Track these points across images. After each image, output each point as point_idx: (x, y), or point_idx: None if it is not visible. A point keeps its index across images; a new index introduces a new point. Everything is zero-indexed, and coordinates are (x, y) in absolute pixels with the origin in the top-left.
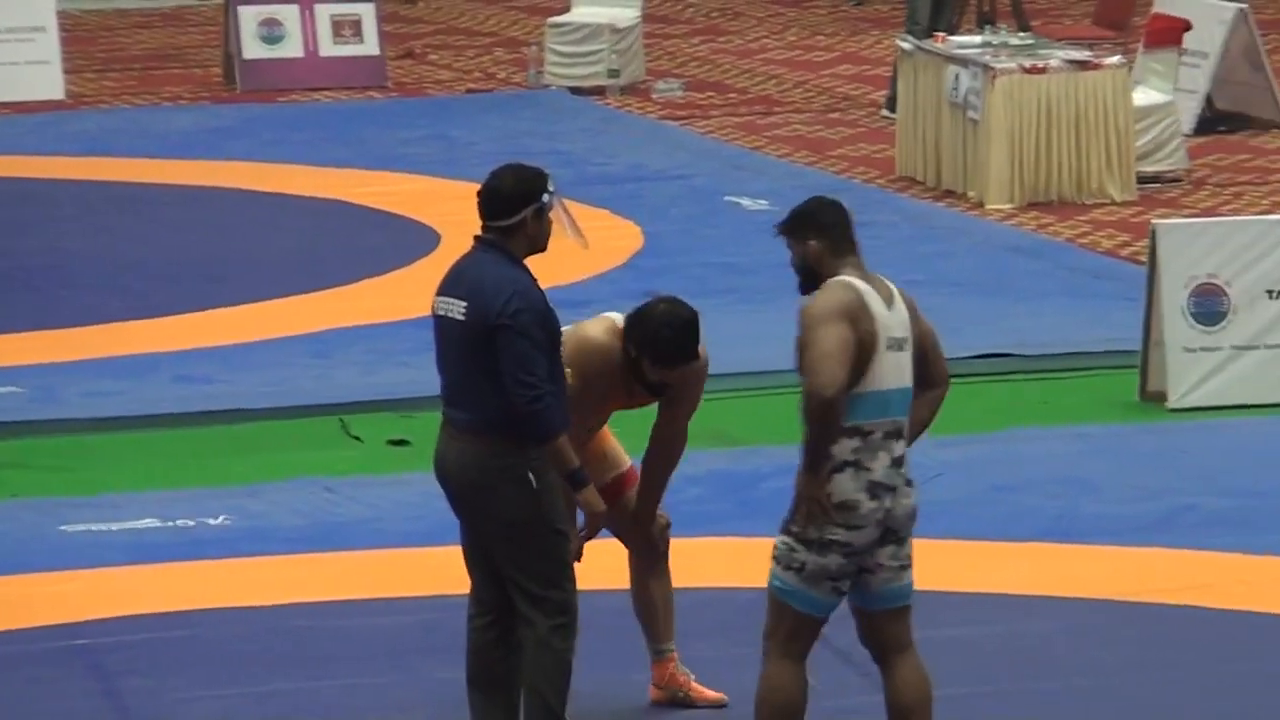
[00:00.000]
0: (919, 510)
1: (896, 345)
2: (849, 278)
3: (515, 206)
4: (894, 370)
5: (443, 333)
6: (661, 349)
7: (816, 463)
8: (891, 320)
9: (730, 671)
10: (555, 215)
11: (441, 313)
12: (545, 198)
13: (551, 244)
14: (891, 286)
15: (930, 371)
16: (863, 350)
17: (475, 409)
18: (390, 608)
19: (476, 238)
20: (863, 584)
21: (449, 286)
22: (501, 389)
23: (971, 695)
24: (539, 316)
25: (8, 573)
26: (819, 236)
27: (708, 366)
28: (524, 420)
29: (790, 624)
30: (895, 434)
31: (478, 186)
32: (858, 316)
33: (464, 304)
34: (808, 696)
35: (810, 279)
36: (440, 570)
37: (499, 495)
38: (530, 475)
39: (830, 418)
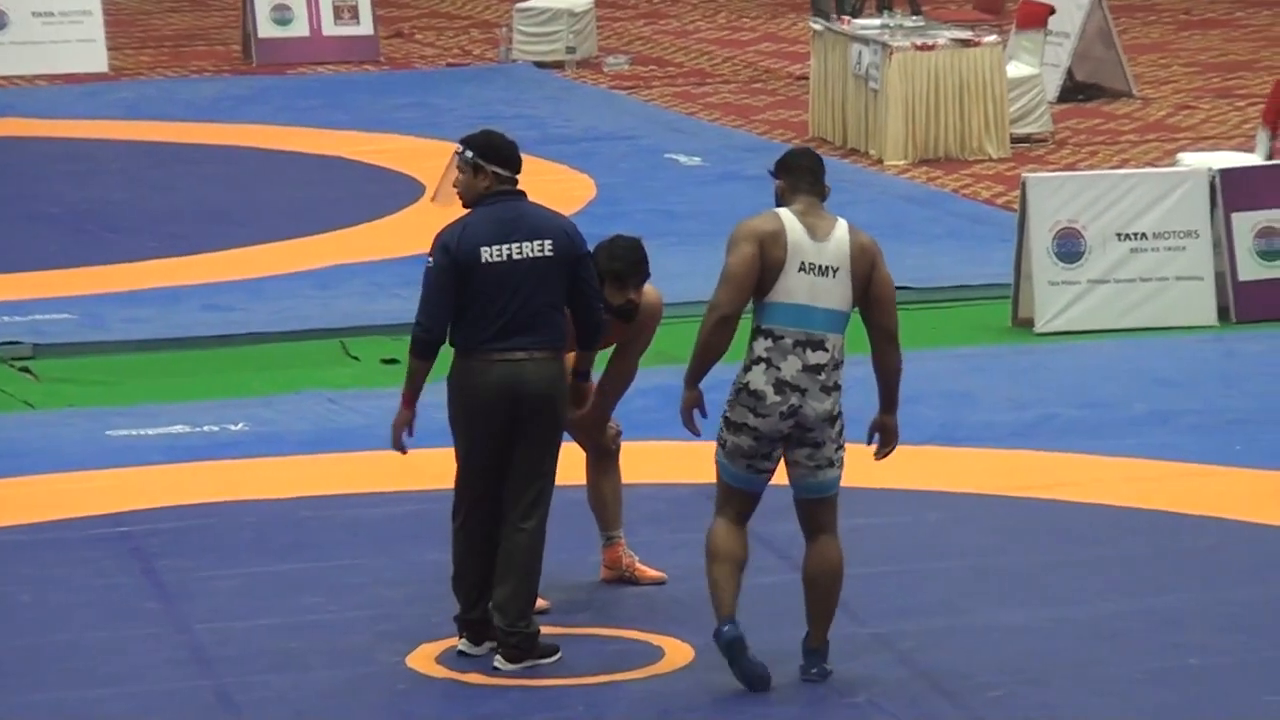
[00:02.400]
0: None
1: (816, 270)
2: (783, 208)
3: (519, 159)
4: (808, 289)
5: (508, 273)
6: (615, 270)
7: (694, 371)
8: (814, 248)
9: (670, 554)
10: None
11: (509, 256)
12: None
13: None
14: (838, 227)
15: (880, 319)
16: (769, 268)
17: (546, 331)
18: (384, 500)
19: (505, 191)
20: (790, 476)
21: (508, 234)
22: (562, 312)
23: (880, 574)
24: None
25: (61, 470)
26: (784, 176)
27: (661, 312)
28: (597, 328)
29: (723, 492)
30: (812, 344)
31: (456, 146)
32: (768, 240)
33: (549, 242)
34: (745, 551)
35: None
36: (425, 469)
37: (560, 403)
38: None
39: (719, 330)
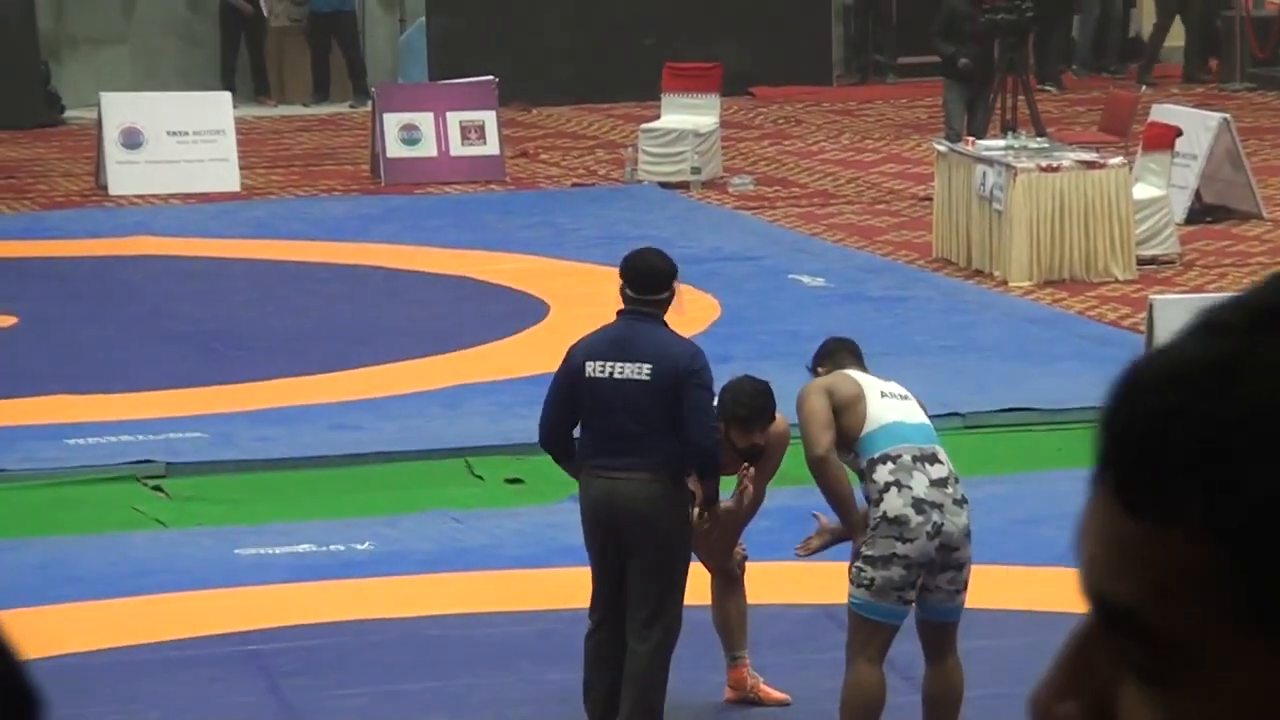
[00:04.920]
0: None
1: (895, 395)
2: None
3: (668, 282)
4: (897, 410)
5: (608, 392)
6: (740, 415)
7: (851, 520)
8: (882, 382)
9: (793, 675)
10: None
11: (610, 374)
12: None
13: None
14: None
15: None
16: (850, 406)
17: (650, 454)
18: (507, 619)
19: (629, 310)
20: (923, 600)
21: (612, 352)
22: (674, 435)
23: (999, 696)
24: (710, 373)
25: (191, 589)
26: (826, 362)
27: (788, 439)
28: (705, 456)
29: (865, 633)
30: (927, 458)
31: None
32: (834, 385)
33: (647, 365)
34: (885, 694)
35: None
36: (550, 588)
37: (663, 526)
38: (689, 510)
39: (828, 467)
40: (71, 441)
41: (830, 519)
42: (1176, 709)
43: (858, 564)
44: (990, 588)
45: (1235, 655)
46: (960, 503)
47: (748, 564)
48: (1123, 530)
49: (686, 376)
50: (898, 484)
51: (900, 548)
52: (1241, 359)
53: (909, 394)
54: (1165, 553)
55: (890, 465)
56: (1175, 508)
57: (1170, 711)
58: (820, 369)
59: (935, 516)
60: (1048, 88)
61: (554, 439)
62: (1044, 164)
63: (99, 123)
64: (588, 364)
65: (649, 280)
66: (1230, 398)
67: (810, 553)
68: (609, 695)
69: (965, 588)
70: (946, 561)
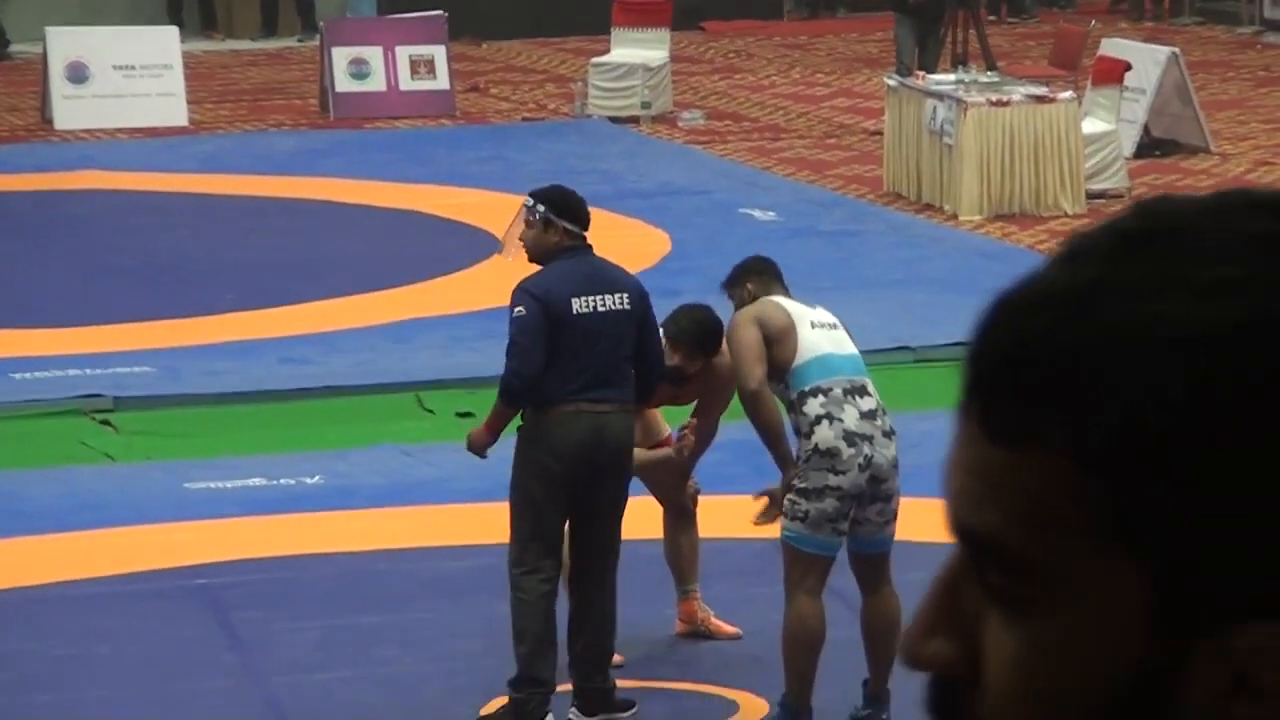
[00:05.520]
0: (899, 463)
1: (826, 325)
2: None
3: (589, 216)
4: (829, 340)
5: (593, 326)
6: (696, 338)
7: (781, 454)
8: (812, 310)
9: (744, 609)
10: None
11: (594, 308)
12: None
13: (595, 247)
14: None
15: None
16: (781, 337)
17: (626, 385)
18: (457, 554)
19: (580, 245)
20: (854, 533)
21: (592, 286)
22: (632, 365)
23: None
24: None
25: (140, 523)
26: (752, 279)
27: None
28: (654, 387)
29: (803, 566)
30: (857, 390)
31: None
32: (764, 315)
33: (625, 295)
34: (825, 627)
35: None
36: (500, 523)
37: (631, 455)
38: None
39: (757, 405)
40: (18, 375)
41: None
42: (1041, 637)
43: (790, 497)
44: (932, 521)
45: (1100, 579)
46: (889, 434)
47: (700, 498)
48: (988, 459)
49: (647, 303)
50: (829, 416)
51: (832, 479)
52: (1100, 284)
53: (838, 322)
54: (1030, 478)
55: (821, 398)
56: (1038, 432)
57: (1035, 639)
58: (748, 286)
59: (865, 449)
60: (1013, 20)
61: (537, 382)
62: (994, 98)
63: (44, 57)
64: (573, 301)
65: (586, 214)
66: (1088, 321)
67: (771, 522)
68: (549, 639)
69: (894, 519)
70: (875, 493)
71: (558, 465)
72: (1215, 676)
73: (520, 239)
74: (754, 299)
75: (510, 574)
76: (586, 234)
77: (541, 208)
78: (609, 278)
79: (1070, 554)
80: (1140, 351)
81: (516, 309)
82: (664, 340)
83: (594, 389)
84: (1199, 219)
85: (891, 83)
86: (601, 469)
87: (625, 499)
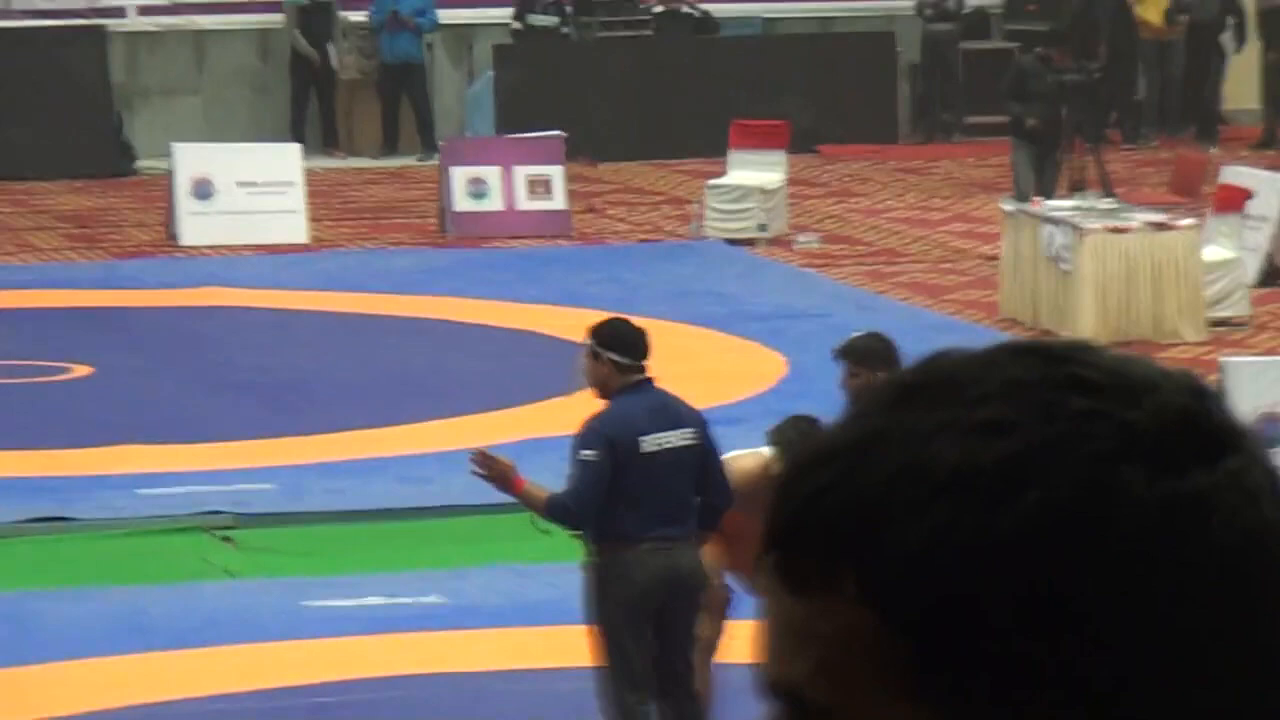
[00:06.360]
0: None
1: None
2: None
3: (644, 347)
4: None
5: (662, 464)
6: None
7: None
8: None
9: None
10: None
11: (662, 446)
12: None
13: (710, 369)
14: None
15: None
16: None
17: (692, 517)
18: (573, 675)
19: (640, 380)
20: None
21: (658, 424)
22: (695, 496)
23: None
24: None
25: (259, 640)
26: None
27: None
28: (719, 515)
29: None
30: None
31: (648, 321)
32: None
33: (690, 430)
34: None
35: None
36: None
37: (704, 582)
38: None
39: None
40: (142, 491)
41: None
42: None
43: None
44: None
45: None
46: None
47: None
48: (791, 611)
49: (710, 433)
50: None
51: None
52: (881, 433)
53: None
54: (828, 627)
55: None
56: (832, 581)
57: None
58: (853, 372)
59: None
60: (1129, 146)
61: (583, 526)
62: (1113, 225)
63: (171, 173)
64: (641, 440)
65: (644, 346)
66: (870, 470)
67: None
68: None
69: None
70: None
71: (636, 601)
72: None
73: (584, 373)
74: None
75: (603, 709)
76: (644, 364)
77: (590, 341)
78: (674, 413)
79: (870, 702)
80: (917, 494)
81: (584, 451)
82: (769, 449)
83: (664, 525)
84: (969, 368)
85: (1008, 208)
86: (677, 599)
87: (692, 630)
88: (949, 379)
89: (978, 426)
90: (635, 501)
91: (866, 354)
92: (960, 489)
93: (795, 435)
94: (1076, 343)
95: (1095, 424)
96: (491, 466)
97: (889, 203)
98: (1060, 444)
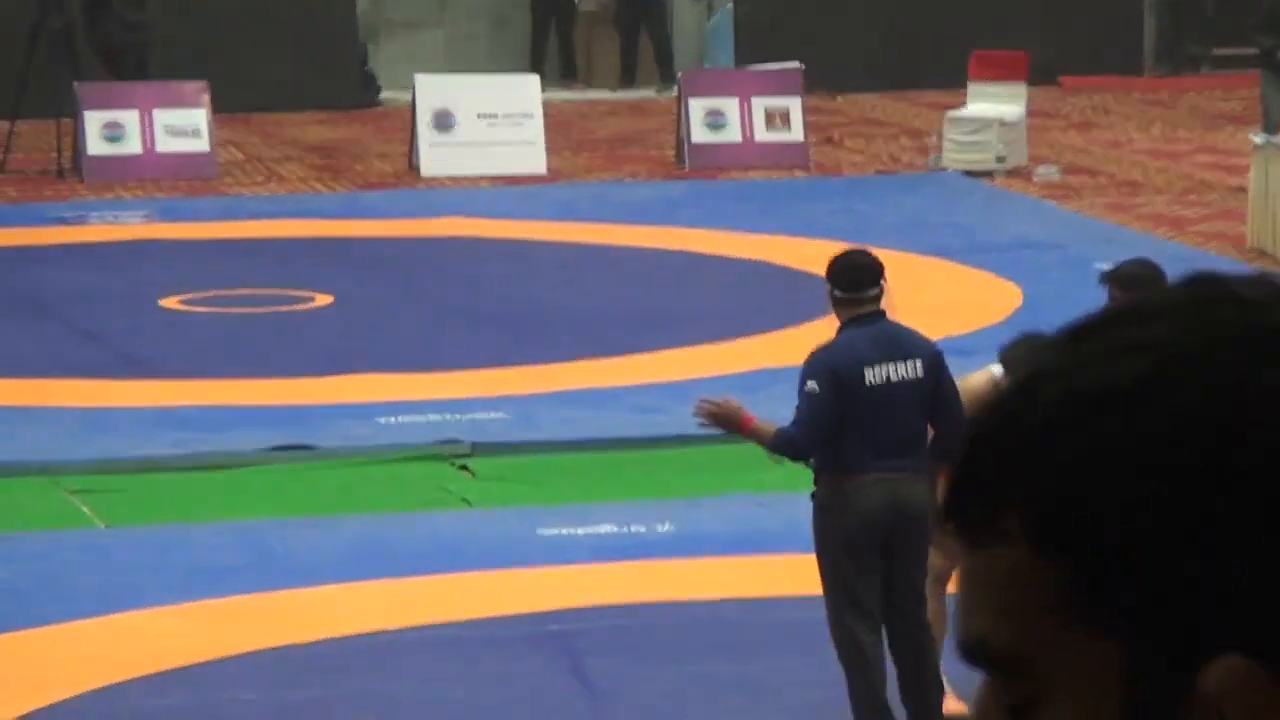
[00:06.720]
0: None
1: None
2: None
3: (882, 277)
4: None
5: (887, 396)
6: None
7: None
8: None
9: None
10: None
11: (888, 378)
12: None
13: (944, 301)
14: None
15: None
16: None
17: (920, 451)
18: (806, 604)
19: (868, 311)
20: None
21: (884, 355)
22: (928, 427)
23: None
24: None
25: (492, 568)
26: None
27: None
28: (958, 440)
29: None
30: None
31: (883, 252)
32: None
33: (918, 361)
34: None
35: None
36: None
37: (931, 517)
38: None
39: None
40: (382, 420)
41: None
42: None
43: None
44: None
45: (1083, 658)
46: None
47: None
48: (971, 566)
49: (942, 364)
50: None
51: None
52: (1043, 372)
53: None
54: (1001, 571)
55: None
56: (1000, 527)
57: None
58: (1118, 298)
59: None
60: None
61: (807, 456)
62: None
63: (413, 105)
64: (866, 371)
65: (873, 277)
66: (1030, 408)
67: None
68: (883, 708)
69: None
70: None
71: (856, 531)
72: None
73: None
74: None
75: (832, 637)
76: (873, 295)
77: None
78: (903, 344)
79: (1050, 640)
80: (1064, 419)
81: (809, 383)
82: (998, 368)
83: (890, 456)
84: (1138, 303)
85: (1258, 140)
86: (903, 530)
87: (926, 561)
88: (1116, 314)
89: (1124, 348)
90: (861, 432)
91: (1134, 280)
92: (1103, 408)
93: (1028, 353)
94: (1265, 272)
95: (1236, 331)
96: (716, 411)
97: (1132, 135)
98: (1199, 354)
